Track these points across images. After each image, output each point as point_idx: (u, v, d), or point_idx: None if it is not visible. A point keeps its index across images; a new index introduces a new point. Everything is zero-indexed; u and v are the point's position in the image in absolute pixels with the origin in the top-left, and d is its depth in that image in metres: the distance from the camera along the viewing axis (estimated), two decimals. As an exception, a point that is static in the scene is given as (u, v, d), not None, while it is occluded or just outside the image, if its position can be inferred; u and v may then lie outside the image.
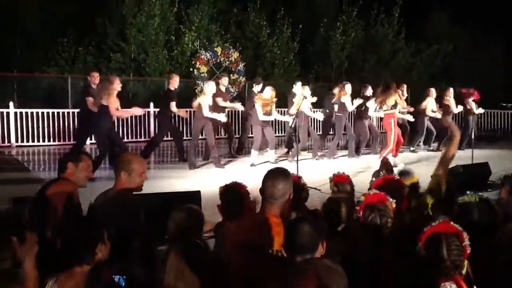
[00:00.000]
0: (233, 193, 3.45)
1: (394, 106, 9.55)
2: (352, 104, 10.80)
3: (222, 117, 9.38)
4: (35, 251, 2.37)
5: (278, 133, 14.50)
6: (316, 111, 11.15)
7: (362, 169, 9.02)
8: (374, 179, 3.84)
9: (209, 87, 9.22)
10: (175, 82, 9.93)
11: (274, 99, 9.77)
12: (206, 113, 9.09)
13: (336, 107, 10.97)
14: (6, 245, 2.30)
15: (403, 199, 3.38)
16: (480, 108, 12.53)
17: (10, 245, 2.31)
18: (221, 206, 3.48)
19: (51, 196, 3.23)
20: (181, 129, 12.73)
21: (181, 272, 2.00)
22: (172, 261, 2.03)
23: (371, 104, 10.44)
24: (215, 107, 9.61)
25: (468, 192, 3.30)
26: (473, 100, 12.49)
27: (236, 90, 16.47)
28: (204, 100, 9.13)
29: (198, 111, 9.23)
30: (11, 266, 2.31)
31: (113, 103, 8.01)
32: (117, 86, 8.14)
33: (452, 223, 2.49)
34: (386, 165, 4.50)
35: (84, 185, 3.45)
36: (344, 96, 10.79)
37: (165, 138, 11.27)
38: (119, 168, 3.15)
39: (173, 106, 9.70)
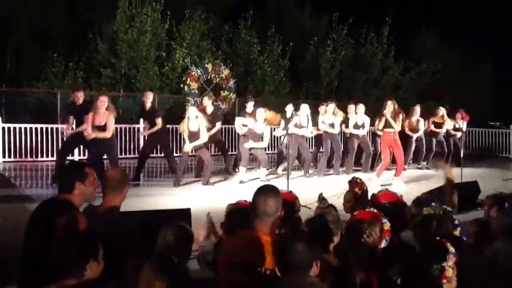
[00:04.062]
0: (242, 213, 3.34)
1: (390, 125, 9.43)
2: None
3: (187, 147, 9.19)
4: None
5: (270, 150, 14.47)
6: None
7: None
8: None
9: (190, 111, 9.19)
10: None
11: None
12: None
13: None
14: None
15: (405, 220, 3.29)
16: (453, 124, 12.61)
17: None
18: (226, 224, 3.38)
19: (63, 228, 2.77)
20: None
21: (152, 286, 2.00)
22: (145, 275, 2.05)
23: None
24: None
25: (433, 203, 3.27)
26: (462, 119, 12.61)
27: (227, 107, 16.48)
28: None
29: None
30: None
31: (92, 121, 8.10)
32: (99, 103, 8.13)
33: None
34: (356, 185, 4.43)
35: (94, 199, 3.20)
36: (328, 115, 10.88)
37: (154, 155, 11.19)
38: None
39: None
